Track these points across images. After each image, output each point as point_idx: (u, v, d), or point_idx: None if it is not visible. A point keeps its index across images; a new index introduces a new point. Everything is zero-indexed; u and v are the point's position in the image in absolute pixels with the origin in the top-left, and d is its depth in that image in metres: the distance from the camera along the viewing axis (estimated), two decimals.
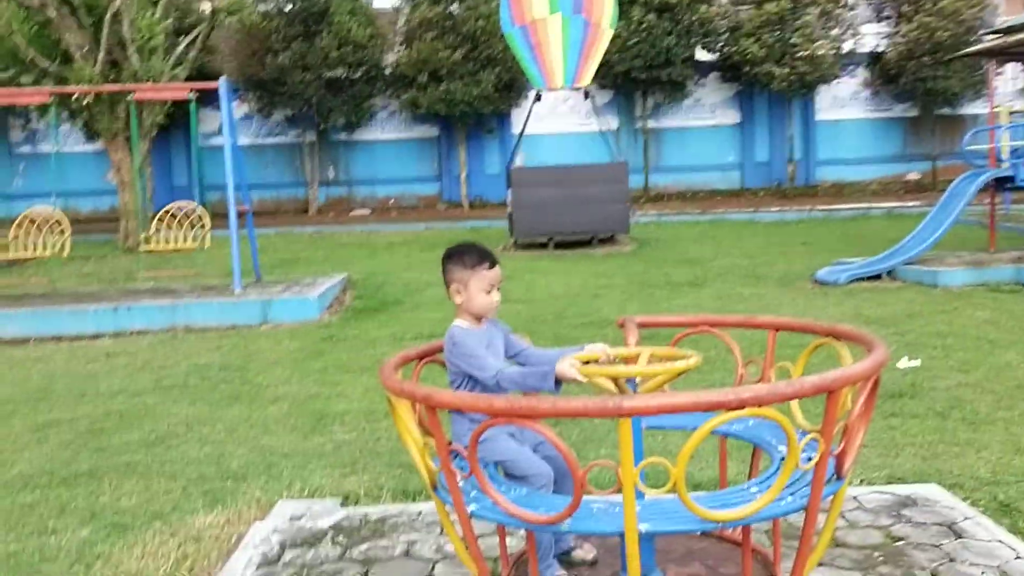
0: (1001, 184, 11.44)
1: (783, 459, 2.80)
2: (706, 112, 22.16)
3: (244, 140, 21.68)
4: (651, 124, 21.82)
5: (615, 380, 2.68)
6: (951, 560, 3.21)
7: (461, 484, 2.39)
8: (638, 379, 2.77)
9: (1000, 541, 3.36)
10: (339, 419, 5.68)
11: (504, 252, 14.17)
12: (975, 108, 21.05)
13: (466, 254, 2.96)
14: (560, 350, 3.03)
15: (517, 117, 20.11)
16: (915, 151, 22.01)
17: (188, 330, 8.84)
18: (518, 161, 16.51)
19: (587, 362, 2.84)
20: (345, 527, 3.85)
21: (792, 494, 2.33)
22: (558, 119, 21.80)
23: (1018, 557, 3.21)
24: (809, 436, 2.22)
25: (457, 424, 2.84)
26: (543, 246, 14.24)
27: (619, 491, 2.13)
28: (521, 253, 13.98)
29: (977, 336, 7.33)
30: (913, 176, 22.02)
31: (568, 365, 2.59)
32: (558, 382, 2.63)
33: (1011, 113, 11.33)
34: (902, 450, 4.75)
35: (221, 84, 9.96)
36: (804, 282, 10.50)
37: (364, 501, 4.21)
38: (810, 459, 2.32)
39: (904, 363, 6.47)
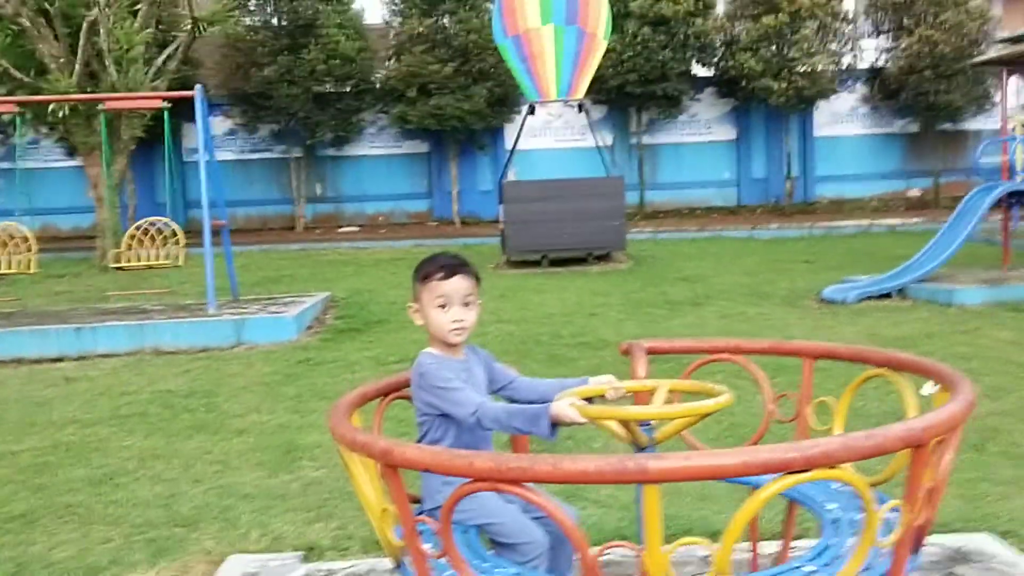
0: (1014, 198, 10.97)
1: (834, 521, 2.26)
2: (702, 128, 21.71)
3: (229, 155, 21.16)
4: (646, 140, 21.37)
5: (625, 423, 2.14)
6: None
7: (430, 564, 1.83)
8: (654, 421, 2.24)
9: None
10: (309, 453, 5.11)
11: (496, 270, 13.64)
12: (977, 123, 20.66)
13: (423, 265, 2.43)
14: (558, 381, 2.49)
15: (510, 133, 19.63)
16: (916, 167, 21.58)
17: (156, 352, 8.26)
18: (511, 176, 16.01)
19: (590, 399, 2.30)
20: None
21: None
22: (552, 134, 21.34)
23: None
24: (892, 503, 1.67)
25: (429, 478, 2.30)
26: (536, 263, 13.72)
27: None
28: (514, 271, 13.45)
29: (1004, 359, 6.82)
30: (914, 192, 21.58)
31: (567, 404, 2.05)
32: (554, 424, 2.09)
33: None
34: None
35: (196, 93, 9.43)
36: (810, 300, 9.99)
37: (329, 554, 3.65)
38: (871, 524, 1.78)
39: (928, 389, 5.94)
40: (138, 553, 3.80)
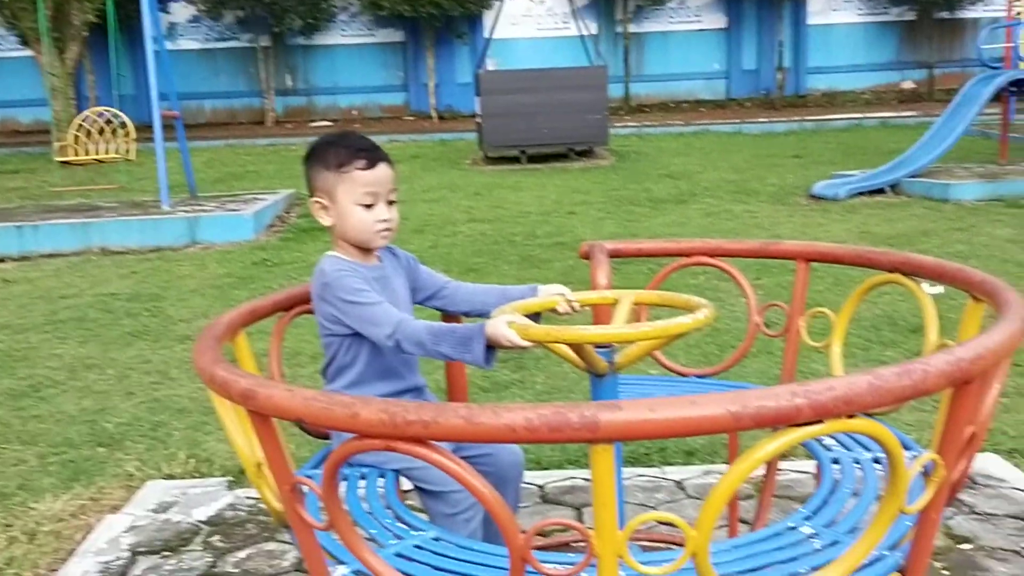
0: (1016, 88, 10.39)
1: (834, 460, 1.86)
2: (691, 15, 20.72)
3: (193, 44, 20.09)
4: (632, 28, 20.41)
5: (578, 346, 1.70)
6: None
7: (319, 536, 1.41)
8: (615, 343, 1.80)
9: None
10: (257, 361, 4.69)
11: (473, 166, 13.05)
12: (975, 11, 19.79)
13: (332, 148, 1.94)
14: (501, 290, 2.03)
15: (490, 21, 18.64)
16: (911, 58, 20.77)
17: (104, 252, 7.75)
18: (489, 66, 15.22)
19: (537, 315, 1.86)
20: (227, 521, 2.91)
21: (887, 547, 1.37)
22: (533, 22, 20.33)
23: None
24: (925, 457, 1.25)
25: None
26: (516, 160, 13.12)
27: (591, 563, 1.17)
28: (491, 167, 12.86)
29: (1002, 258, 6.43)
30: (908, 85, 20.84)
31: (504, 324, 1.60)
32: (490, 348, 1.64)
33: None
34: (937, 403, 3.85)
35: None
36: (799, 197, 9.53)
37: None
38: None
39: (926, 289, 5.56)
40: (51, 476, 3.42)
